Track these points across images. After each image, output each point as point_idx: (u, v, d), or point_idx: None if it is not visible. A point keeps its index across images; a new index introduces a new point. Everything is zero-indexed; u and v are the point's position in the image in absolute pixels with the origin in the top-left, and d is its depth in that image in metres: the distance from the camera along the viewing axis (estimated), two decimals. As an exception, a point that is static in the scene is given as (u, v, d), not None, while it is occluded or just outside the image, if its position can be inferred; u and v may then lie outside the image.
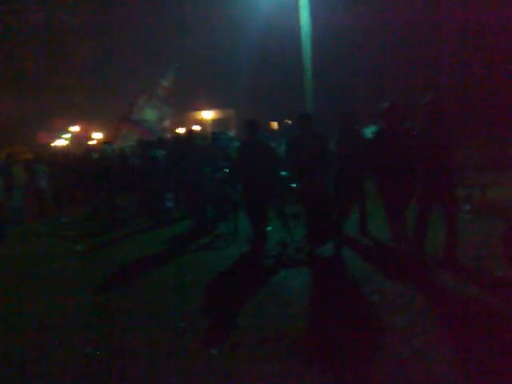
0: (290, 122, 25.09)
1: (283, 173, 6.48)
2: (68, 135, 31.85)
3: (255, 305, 4.48)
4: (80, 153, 13.93)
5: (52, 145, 30.21)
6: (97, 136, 29.32)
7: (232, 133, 11.37)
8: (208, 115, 25.62)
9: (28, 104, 26.72)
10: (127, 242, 8.04)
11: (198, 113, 25.95)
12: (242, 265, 5.95)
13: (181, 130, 22.18)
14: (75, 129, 30.19)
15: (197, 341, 3.83)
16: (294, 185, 6.28)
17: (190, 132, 9.49)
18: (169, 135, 17.67)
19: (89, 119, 30.83)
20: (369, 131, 7.61)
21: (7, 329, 4.51)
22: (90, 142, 26.39)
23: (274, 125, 26.09)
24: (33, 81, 27.42)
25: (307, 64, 11.83)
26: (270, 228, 6.64)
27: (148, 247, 7.41)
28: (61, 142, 30.70)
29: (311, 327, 3.96)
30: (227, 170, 7.75)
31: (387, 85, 20.16)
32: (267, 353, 3.50)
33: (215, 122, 24.86)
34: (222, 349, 3.64)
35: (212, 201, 8.10)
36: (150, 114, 24.40)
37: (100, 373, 3.48)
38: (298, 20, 11.74)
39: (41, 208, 12.16)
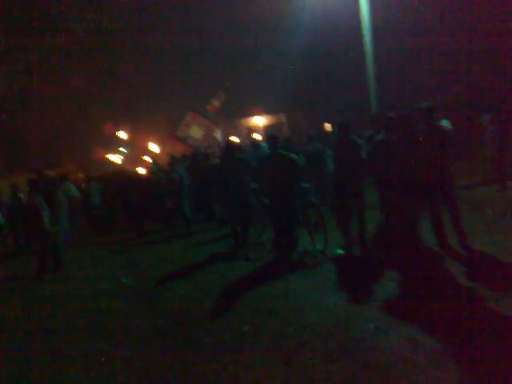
0: (329, 125, 25.08)
1: (304, 184, 7.16)
2: (123, 149, 32.62)
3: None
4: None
5: (108, 159, 30.69)
6: (153, 149, 30.25)
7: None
8: (259, 121, 26.35)
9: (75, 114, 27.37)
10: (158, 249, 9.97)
11: (249, 119, 26.78)
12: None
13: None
14: (122, 135, 29.90)
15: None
16: (314, 198, 7.02)
17: (228, 143, 10.12)
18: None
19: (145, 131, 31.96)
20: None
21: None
22: (145, 158, 27.44)
23: (328, 126, 26.25)
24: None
25: (369, 59, 11.36)
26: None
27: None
28: (115, 159, 30.97)
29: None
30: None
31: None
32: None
33: (266, 128, 25.54)
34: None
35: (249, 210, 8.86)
36: (195, 132, 25.73)
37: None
38: (357, 12, 11.55)
39: (93, 227, 13.61)
